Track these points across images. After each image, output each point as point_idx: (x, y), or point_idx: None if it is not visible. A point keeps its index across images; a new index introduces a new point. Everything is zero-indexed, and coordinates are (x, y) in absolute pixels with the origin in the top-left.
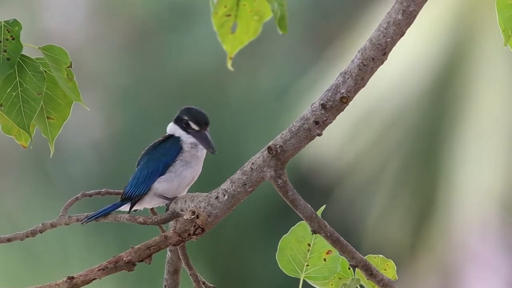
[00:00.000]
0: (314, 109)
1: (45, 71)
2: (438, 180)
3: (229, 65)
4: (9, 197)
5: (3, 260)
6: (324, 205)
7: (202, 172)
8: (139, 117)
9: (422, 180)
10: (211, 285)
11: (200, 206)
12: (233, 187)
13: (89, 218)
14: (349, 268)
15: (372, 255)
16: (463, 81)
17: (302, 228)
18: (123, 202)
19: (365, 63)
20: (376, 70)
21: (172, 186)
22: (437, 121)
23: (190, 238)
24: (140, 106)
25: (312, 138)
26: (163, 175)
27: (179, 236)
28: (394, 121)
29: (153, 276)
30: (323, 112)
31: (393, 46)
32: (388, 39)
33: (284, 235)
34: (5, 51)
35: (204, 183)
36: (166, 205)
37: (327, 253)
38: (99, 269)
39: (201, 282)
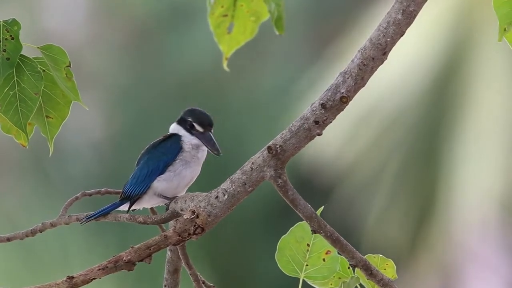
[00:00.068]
0: (314, 108)
1: (43, 71)
2: (438, 180)
3: (225, 65)
4: (9, 197)
5: (3, 260)
6: (324, 205)
7: (202, 172)
8: (139, 117)
9: (422, 180)
10: (211, 284)
11: (200, 206)
12: (233, 187)
13: (88, 218)
14: (348, 268)
15: (372, 254)
16: (463, 81)
17: (301, 228)
18: (122, 202)
19: (365, 63)
20: (376, 69)
21: (172, 186)
22: (437, 121)
23: (190, 237)
24: (140, 106)
25: (312, 137)
26: (162, 174)
27: (179, 236)
28: (394, 121)
29: (153, 275)
30: (323, 111)
31: (393, 46)
32: (388, 39)
33: (283, 236)
34: (4, 50)
35: (204, 183)
36: (166, 204)
37: (326, 253)
38: (99, 269)
39: (201, 282)
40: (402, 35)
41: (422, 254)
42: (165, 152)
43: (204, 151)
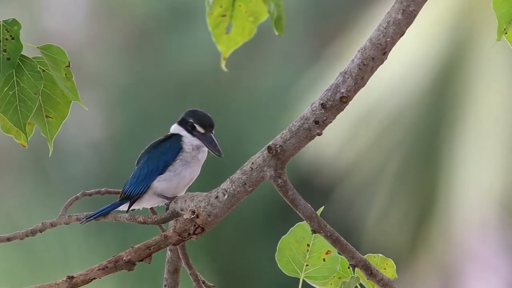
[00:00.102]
0: (314, 108)
1: (43, 71)
2: (438, 180)
3: (223, 65)
4: (9, 197)
5: (3, 260)
6: (324, 205)
7: (202, 172)
8: (139, 117)
9: (422, 180)
10: (211, 284)
11: (200, 206)
12: (233, 187)
13: (88, 218)
14: (348, 268)
15: (372, 254)
16: (463, 81)
17: (301, 228)
18: (122, 201)
19: (365, 63)
20: (376, 69)
21: (171, 185)
22: (437, 121)
23: (190, 237)
24: (140, 106)
25: (312, 137)
26: (162, 174)
27: (179, 236)
28: (394, 121)
29: (153, 275)
30: (323, 111)
31: (393, 46)
32: (388, 39)
33: (284, 236)
34: (4, 50)
35: (204, 183)
36: (166, 204)
37: (327, 253)
38: (99, 269)
39: (201, 282)
40: (402, 35)
41: (422, 254)
42: (165, 152)
43: (204, 152)
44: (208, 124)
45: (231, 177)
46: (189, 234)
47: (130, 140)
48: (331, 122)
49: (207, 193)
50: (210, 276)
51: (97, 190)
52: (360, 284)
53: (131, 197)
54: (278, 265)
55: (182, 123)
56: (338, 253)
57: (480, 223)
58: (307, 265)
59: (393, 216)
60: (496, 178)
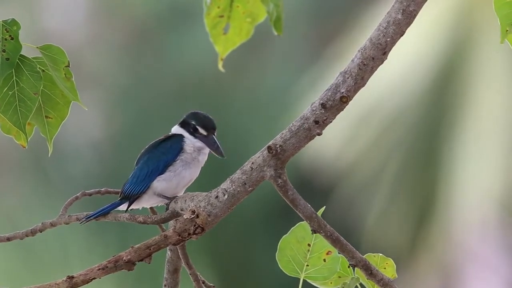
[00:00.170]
0: (314, 108)
1: (43, 71)
2: (437, 180)
3: (220, 66)
4: (9, 197)
5: (3, 260)
6: (325, 206)
7: (202, 171)
8: (139, 117)
9: (422, 180)
10: (211, 284)
11: (200, 206)
12: (233, 187)
13: (88, 218)
14: (348, 267)
15: (372, 253)
16: (463, 81)
17: (302, 228)
18: (122, 201)
19: (365, 63)
20: (376, 69)
21: (171, 185)
22: (437, 121)
23: (190, 237)
24: (140, 106)
25: (312, 137)
26: (162, 174)
27: (179, 236)
28: (394, 121)
29: (153, 275)
30: (323, 111)
31: (393, 46)
32: (388, 39)
33: (284, 236)
34: (4, 51)
35: (204, 183)
36: (166, 204)
37: (327, 253)
38: (99, 269)
39: (201, 282)
40: (402, 35)
41: (422, 254)
42: (165, 152)
43: (205, 154)
44: (210, 127)
45: (231, 177)
46: (189, 234)
47: (130, 140)
48: (331, 122)
49: (207, 193)
50: (210, 276)
51: (97, 190)
52: (360, 284)
53: (130, 197)
54: (279, 265)
55: (184, 125)
56: (338, 252)
57: (480, 223)
58: (307, 265)
59: (393, 216)
60: (496, 178)
